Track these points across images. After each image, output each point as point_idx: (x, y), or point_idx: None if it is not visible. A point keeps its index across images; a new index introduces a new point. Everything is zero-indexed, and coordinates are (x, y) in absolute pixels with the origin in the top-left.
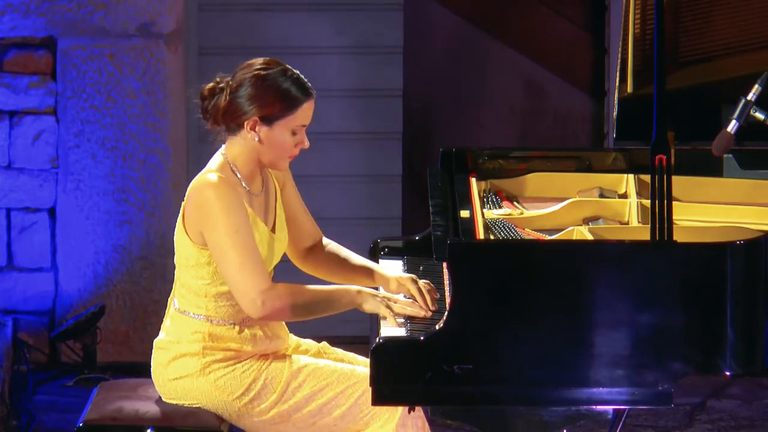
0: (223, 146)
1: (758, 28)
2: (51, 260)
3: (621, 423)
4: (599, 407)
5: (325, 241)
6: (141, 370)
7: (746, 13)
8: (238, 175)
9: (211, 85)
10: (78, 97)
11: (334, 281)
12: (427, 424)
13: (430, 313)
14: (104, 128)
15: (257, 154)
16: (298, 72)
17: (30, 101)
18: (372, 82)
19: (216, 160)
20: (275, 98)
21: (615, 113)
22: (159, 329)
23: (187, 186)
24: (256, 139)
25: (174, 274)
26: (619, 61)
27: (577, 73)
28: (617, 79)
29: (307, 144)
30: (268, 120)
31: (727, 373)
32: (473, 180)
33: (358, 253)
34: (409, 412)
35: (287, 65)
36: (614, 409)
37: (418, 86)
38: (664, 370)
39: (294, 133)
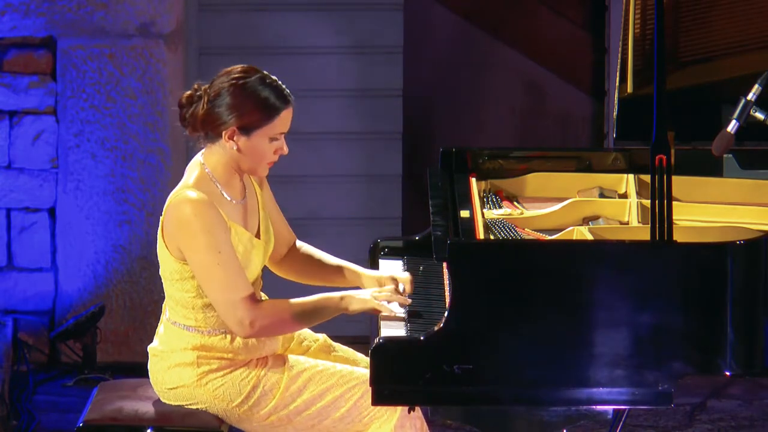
0: (201, 154)
1: (758, 28)
2: (51, 260)
3: (621, 423)
4: (599, 407)
5: (299, 243)
6: (141, 370)
7: (746, 13)
8: (218, 185)
9: (189, 92)
10: (78, 97)
11: (309, 283)
12: (426, 424)
13: (409, 301)
14: (104, 128)
15: (236, 162)
16: (276, 79)
17: (30, 101)
18: (372, 82)
19: (194, 171)
20: (254, 108)
21: (615, 113)
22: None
23: None
24: (234, 148)
25: None
26: (619, 61)
27: (577, 73)
28: (617, 79)
29: (286, 150)
30: (246, 130)
31: (727, 373)
32: (473, 180)
33: (357, 253)
34: (409, 412)
35: (266, 72)
36: (614, 409)
37: (418, 86)
38: (664, 370)
39: (272, 140)
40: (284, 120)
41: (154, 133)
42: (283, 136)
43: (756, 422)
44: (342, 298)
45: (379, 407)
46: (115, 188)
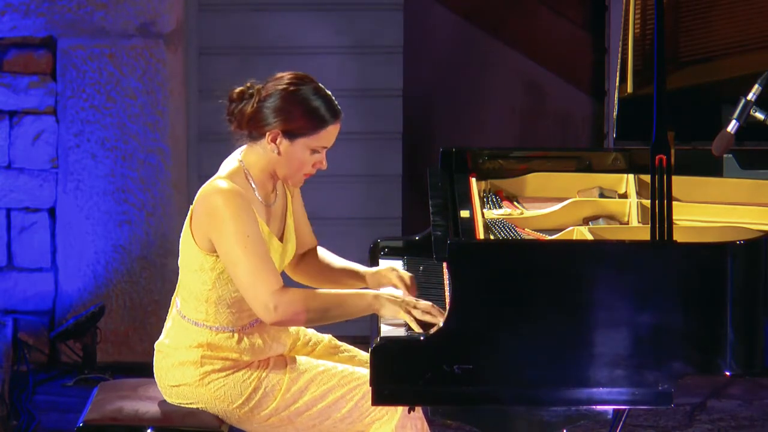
0: (241, 150)
1: (758, 28)
2: (51, 260)
3: (621, 423)
4: (599, 407)
5: (320, 250)
6: (141, 370)
7: (746, 13)
8: (252, 184)
9: (241, 88)
10: (78, 97)
11: (321, 287)
12: (426, 424)
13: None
14: (104, 128)
15: (273, 166)
16: (329, 92)
17: (30, 101)
18: (372, 82)
19: (231, 164)
20: (302, 115)
21: (615, 113)
22: (159, 329)
23: (188, 186)
24: (275, 151)
25: (177, 274)
26: (619, 61)
27: (577, 73)
28: (617, 79)
29: (325, 165)
30: (290, 135)
31: (727, 373)
32: (473, 180)
33: (357, 253)
34: (409, 412)
35: (320, 83)
36: (614, 409)
37: (418, 86)
38: (664, 370)
39: (314, 152)
40: (330, 134)
41: (154, 133)
42: (325, 150)
43: (756, 422)
44: (376, 297)
45: (380, 408)
46: (115, 188)
